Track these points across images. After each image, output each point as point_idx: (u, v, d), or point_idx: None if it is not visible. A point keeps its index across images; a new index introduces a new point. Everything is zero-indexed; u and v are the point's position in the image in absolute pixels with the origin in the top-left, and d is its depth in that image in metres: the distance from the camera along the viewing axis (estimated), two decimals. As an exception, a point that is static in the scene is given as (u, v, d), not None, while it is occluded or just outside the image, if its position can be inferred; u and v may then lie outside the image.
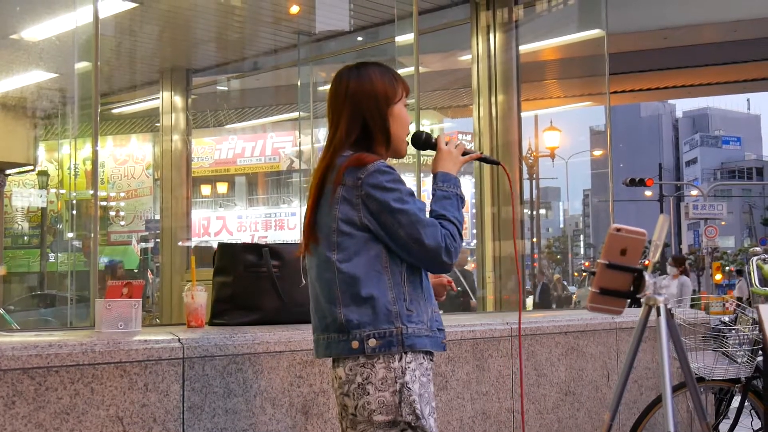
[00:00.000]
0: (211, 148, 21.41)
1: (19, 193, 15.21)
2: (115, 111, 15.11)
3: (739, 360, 4.54)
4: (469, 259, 11.86)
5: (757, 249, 5.15)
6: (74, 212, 11.84)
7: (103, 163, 18.31)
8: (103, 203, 18.17)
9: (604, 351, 5.10)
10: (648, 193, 48.17)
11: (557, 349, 4.79)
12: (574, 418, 4.87)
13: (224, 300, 3.66)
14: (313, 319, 2.66)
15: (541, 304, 17.07)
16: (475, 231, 9.19)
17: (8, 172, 13.85)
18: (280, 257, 3.67)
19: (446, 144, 2.80)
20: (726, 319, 4.97)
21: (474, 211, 8.82)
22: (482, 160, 2.97)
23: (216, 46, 11.98)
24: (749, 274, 4.94)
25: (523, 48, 8.74)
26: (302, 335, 3.39)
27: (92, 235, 6.05)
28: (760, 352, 4.43)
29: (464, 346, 4.21)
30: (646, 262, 3.03)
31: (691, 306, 5.22)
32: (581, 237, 77.16)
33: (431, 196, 2.71)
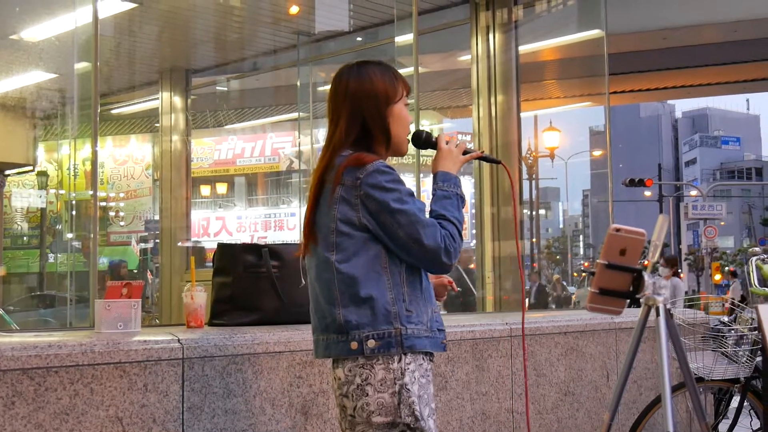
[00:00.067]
0: (210, 149, 21.41)
1: (18, 194, 15.20)
2: (114, 111, 15.10)
3: (738, 360, 4.54)
4: (474, 258, 11.85)
5: (757, 249, 5.15)
6: (74, 213, 11.85)
7: (103, 163, 18.30)
8: (103, 204, 18.16)
9: (603, 351, 5.10)
10: (647, 193, 48.20)
11: (557, 350, 4.79)
12: (573, 418, 4.87)
13: (224, 300, 3.66)
14: (312, 320, 2.65)
15: (537, 305, 17.08)
16: (474, 231, 9.18)
17: (8, 172, 13.85)
18: (279, 257, 3.67)
19: (446, 143, 2.78)
20: (725, 319, 4.96)
21: (473, 211, 8.81)
22: (483, 159, 2.95)
23: (215, 47, 11.98)
24: (748, 274, 4.94)
25: (523, 48, 8.73)
26: (302, 335, 3.39)
27: (92, 235, 6.05)
28: (759, 352, 4.43)
29: (464, 347, 4.21)
30: (646, 262, 3.04)
31: (691, 306, 5.23)
32: (581, 237, 77.15)
33: (431, 196, 2.70)
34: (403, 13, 8.32)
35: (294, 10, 10.44)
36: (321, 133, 12.89)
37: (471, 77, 8.55)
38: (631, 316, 4.52)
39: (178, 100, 12.50)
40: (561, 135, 26.32)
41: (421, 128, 2.89)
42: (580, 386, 4.93)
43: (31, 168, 13.70)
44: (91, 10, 5.54)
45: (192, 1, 10.07)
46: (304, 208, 2.71)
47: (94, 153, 5.86)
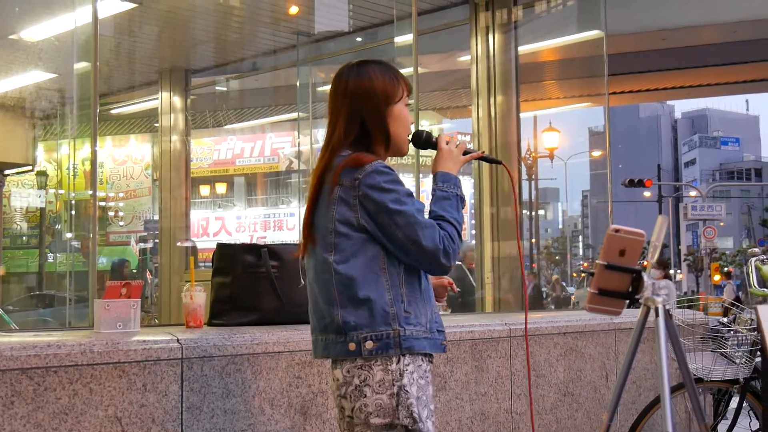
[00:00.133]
0: (210, 149, 21.40)
1: (17, 194, 15.19)
2: (114, 111, 15.10)
3: (737, 361, 4.54)
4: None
5: (756, 250, 5.15)
6: (73, 212, 11.85)
7: (102, 163, 18.29)
8: (102, 203, 18.15)
9: (602, 352, 5.10)
10: (647, 193, 48.21)
11: (556, 350, 4.79)
12: (572, 418, 4.87)
13: (223, 300, 3.66)
14: (311, 320, 2.64)
15: (533, 305, 17.07)
16: (474, 232, 9.19)
17: (7, 172, 13.84)
18: (278, 258, 3.67)
19: (447, 143, 2.76)
20: (724, 320, 4.96)
21: (473, 211, 8.82)
22: (483, 159, 2.93)
23: (215, 47, 11.98)
24: (748, 275, 4.94)
25: (522, 49, 8.74)
26: (301, 336, 3.39)
27: (91, 235, 6.06)
28: (759, 353, 4.43)
29: (463, 347, 4.21)
30: (645, 262, 3.04)
31: (690, 307, 5.23)
32: (580, 238, 77.16)
33: (431, 197, 2.68)
34: (403, 14, 8.33)
35: (293, 10, 10.45)
36: (320, 134, 12.89)
37: (470, 78, 8.56)
38: (630, 316, 4.52)
39: (177, 100, 12.50)
40: (560, 135, 26.31)
41: (421, 128, 2.87)
42: (580, 387, 4.93)
43: (30, 168, 13.69)
44: (90, 10, 5.54)
45: (192, 1, 10.07)
46: (303, 209, 2.70)
47: (94, 153, 5.87)
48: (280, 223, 21.15)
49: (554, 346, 4.78)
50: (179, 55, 12.32)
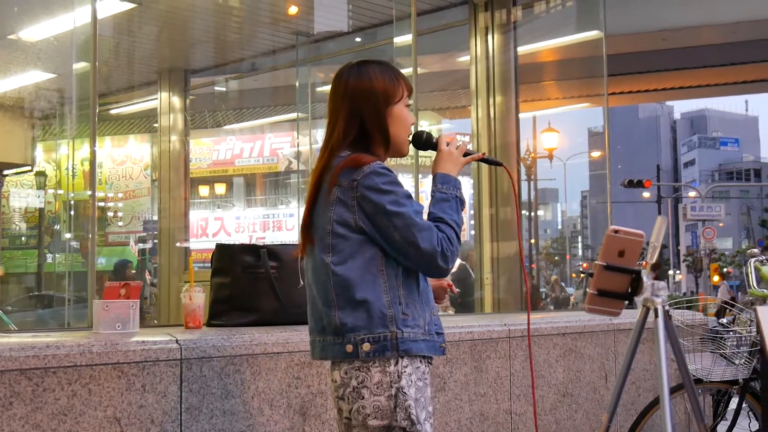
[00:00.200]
0: (209, 149, 21.37)
1: (16, 194, 15.18)
2: (113, 111, 15.10)
3: (736, 362, 4.54)
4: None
5: (755, 250, 5.15)
6: (72, 213, 11.85)
7: (101, 163, 18.26)
8: (101, 204, 18.12)
9: (602, 352, 5.10)
10: (646, 194, 48.22)
11: (555, 351, 4.79)
12: (572, 419, 4.87)
13: (222, 301, 3.65)
14: (309, 321, 2.64)
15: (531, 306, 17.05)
16: (473, 232, 9.20)
17: (6, 172, 13.84)
18: (278, 258, 3.67)
19: (447, 144, 2.74)
20: (724, 320, 4.96)
21: (472, 212, 8.82)
22: (484, 161, 2.90)
23: (214, 47, 11.98)
24: (747, 275, 4.94)
25: (522, 49, 8.74)
26: (300, 336, 3.39)
27: (90, 235, 6.07)
28: (758, 353, 4.43)
29: (462, 348, 4.21)
30: (644, 263, 3.03)
31: (689, 307, 5.23)
32: (579, 238, 77.18)
33: (430, 198, 2.67)
34: (402, 14, 8.32)
35: (293, 10, 10.44)
36: (320, 134, 12.89)
37: (470, 78, 8.56)
38: (629, 317, 4.52)
39: (176, 101, 12.50)
40: (559, 136, 26.32)
41: (421, 129, 2.85)
42: (579, 387, 4.93)
43: (29, 168, 13.69)
44: (89, 10, 5.54)
45: (191, 1, 10.07)
46: (302, 209, 2.69)
47: (93, 153, 5.88)
48: (279, 224, 21.12)
49: (553, 346, 4.78)
50: (178, 56, 12.32)
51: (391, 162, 2.73)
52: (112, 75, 12.45)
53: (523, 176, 26.03)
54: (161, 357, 2.99)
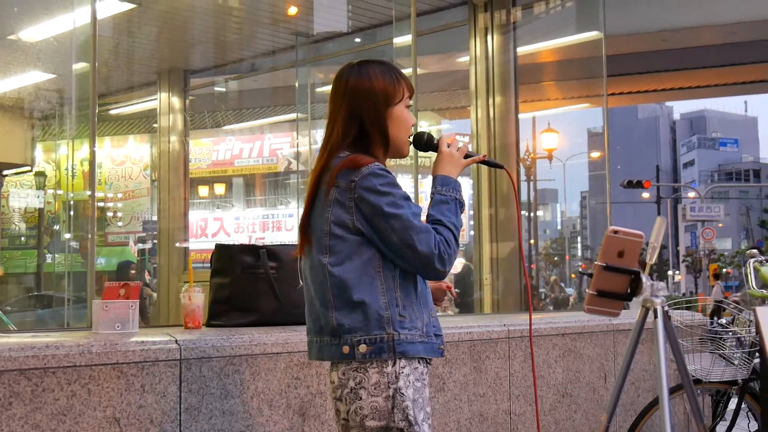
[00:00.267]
0: (208, 149, 21.37)
1: (16, 194, 15.18)
2: (112, 112, 15.10)
3: (736, 362, 4.54)
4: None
5: (754, 251, 5.15)
6: (71, 213, 11.83)
7: (101, 164, 18.26)
8: (101, 204, 18.12)
9: (601, 353, 5.10)
10: (645, 195, 48.25)
11: (554, 351, 4.79)
12: (571, 419, 4.87)
13: (221, 301, 3.66)
14: (307, 321, 2.63)
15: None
16: (472, 233, 9.20)
17: (5, 172, 13.84)
18: (277, 259, 3.67)
19: (448, 146, 2.72)
20: (723, 321, 4.96)
21: (471, 212, 8.82)
22: (485, 163, 2.86)
23: (214, 47, 11.98)
24: (746, 276, 4.94)
25: (521, 50, 8.74)
26: (299, 337, 3.39)
27: (89, 236, 6.07)
28: (757, 354, 4.43)
29: (461, 348, 4.21)
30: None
31: (688, 308, 5.23)
32: (578, 239, 77.20)
33: (429, 200, 2.65)
34: (402, 15, 8.33)
35: (292, 11, 10.44)
36: (319, 134, 12.88)
37: (469, 78, 8.56)
38: (628, 317, 4.52)
39: (176, 101, 12.50)
40: (559, 136, 26.34)
41: (422, 130, 2.82)
42: (578, 388, 4.93)
43: (28, 168, 13.69)
44: (89, 10, 5.54)
45: (190, 1, 10.07)
46: (301, 210, 2.69)
47: (92, 153, 5.88)
48: (279, 224, 21.12)
49: (553, 347, 4.78)
50: (178, 56, 12.32)
51: (390, 162, 2.72)
52: (112, 75, 12.46)
53: (523, 177, 26.05)
54: (160, 357, 2.99)
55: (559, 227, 77.94)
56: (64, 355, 2.74)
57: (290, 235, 19.72)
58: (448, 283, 2.94)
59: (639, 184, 26.86)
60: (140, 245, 17.83)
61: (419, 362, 2.54)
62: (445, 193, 2.63)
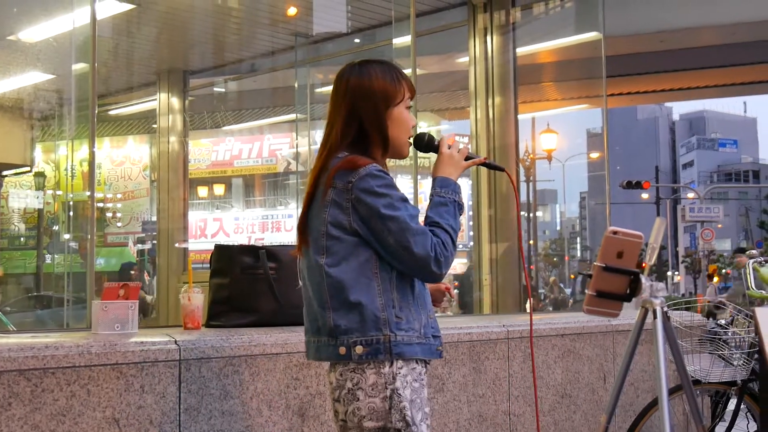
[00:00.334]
0: (207, 150, 21.37)
1: (15, 195, 15.19)
2: (112, 112, 15.11)
3: (735, 363, 4.54)
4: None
5: (753, 252, 5.16)
6: (71, 213, 11.83)
7: (100, 164, 18.26)
8: (100, 205, 18.13)
9: (600, 353, 5.10)
10: (644, 195, 48.28)
11: (554, 352, 4.79)
12: (570, 420, 4.87)
13: (221, 302, 3.65)
14: (305, 321, 2.63)
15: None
16: (472, 233, 9.21)
17: (5, 173, 13.84)
18: (276, 259, 3.67)
19: (449, 148, 2.69)
20: (722, 321, 4.97)
21: (471, 213, 8.82)
22: (486, 165, 2.84)
23: (213, 48, 11.99)
24: (746, 276, 4.95)
25: (521, 50, 8.75)
26: (299, 337, 3.39)
27: (89, 236, 6.07)
28: (756, 355, 4.43)
29: (461, 349, 4.21)
30: (643, 264, 3.04)
31: (688, 309, 5.23)
32: (578, 239, 77.18)
33: (429, 201, 2.64)
34: (401, 15, 8.33)
35: (292, 11, 10.44)
36: (318, 135, 12.88)
37: (469, 79, 8.57)
38: (628, 318, 4.52)
39: (175, 102, 12.51)
40: (558, 137, 26.37)
41: (423, 131, 2.79)
42: (577, 388, 4.93)
43: (28, 169, 13.70)
44: (89, 11, 5.54)
45: (190, 2, 10.08)
46: (300, 210, 2.69)
47: (92, 154, 5.88)
48: (278, 225, 21.12)
49: (552, 347, 4.78)
50: (177, 57, 12.33)
51: (390, 163, 2.71)
52: (111, 76, 12.47)
53: (522, 177, 26.06)
54: (160, 358, 2.99)
55: (558, 228, 77.90)
56: (64, 356, 2.74)
57: (289, 236, 19.72)
58: (447, 284, 2.93)
59: (638, 185, 26.85)
60: (139, 246, 17.83)
61: (417, 363, 2.53)
62: (444, 195, 2.61)
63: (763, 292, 4.86)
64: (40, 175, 14.85)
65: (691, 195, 46.47)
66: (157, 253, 13.00)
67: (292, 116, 14.95)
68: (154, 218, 15.49)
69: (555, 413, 4.77)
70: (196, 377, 3.09)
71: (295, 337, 3.40)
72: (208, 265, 3.78)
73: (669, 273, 50.79)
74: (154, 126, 13.35)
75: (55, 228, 14.81)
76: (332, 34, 10.85)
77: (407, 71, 7.08)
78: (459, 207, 2.63)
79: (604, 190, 8.59)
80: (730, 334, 4.67)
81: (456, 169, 2.68)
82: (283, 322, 3.59)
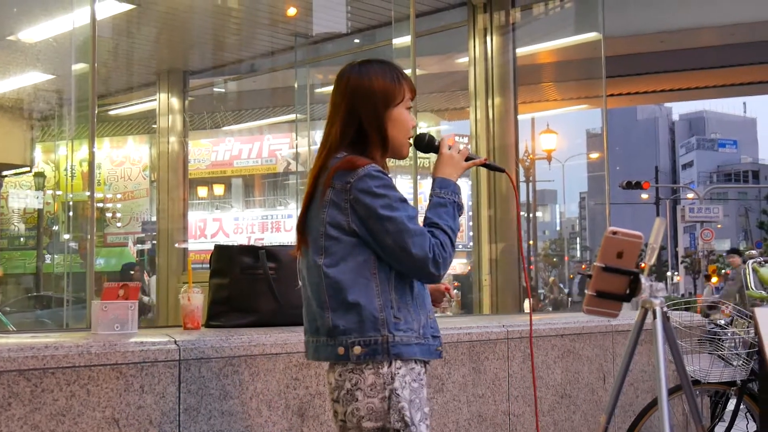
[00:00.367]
0: (207, 150, 21.38)
1: (15, 195, 15.20)
2: (111, 113, 15.12)
3: (734, 363, 4.54)
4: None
5: (753, 252, 5.17)
6: (71, 214, 11.84)
7: (100, 164, 18.27)
8: (100, 205, 18.14)
9: (600, 354, 5.10)
10: (644, 196, 48.29)
11: (553, 352, 4.79)
12: (570, 420, 4.87)
13: (221, 302, 3.66)
14: (305, 321, 2.62)
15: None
16: (471, 233, 9.21)
17: (5, 173, 13.85)
18: (276, 259, 3.67)
19: (449, 148, 2.68)
20: (722, 322, 4.97)
21: (470, 213, 8.83)
22: (486, 166, 2.83)
23: (213, 48, 11.99)
24: (745, 276, 4.95)
25: (520, 51, 8.75)
26: (298, 337, 3.39)
27: (88, 236, 6.07)
28: (756, 355, 4.43)
29: (460, 349, 4.22)
30: (643, 264, 3.04)
31: (687, 309, 5.23)
32: (577, 240, 77.21)
33: (428, 202, 2.62)
34: (401, 15, 8.33)
35: (291, 12, 10.44)
36: (318, 135, 12.88)
37: (468, 79, 8.57)
38: (627, 318, 4.52)
39: (175, 102, 12.51)
40: (558, 137, 26.38)
41: (423, 131, 2.77)
42: (577, 389, 4.93)
43: (28, 169, 13.70)
44: (88, 11, 5.54)
45: (190, 2, 10.08)
46: (300, 210, 2.68)
47: (92, 154, 5.88)
48: (278, 225, 21.14)
49: (552, 348, 4.78)
50: (177, 57, 12.33)
51: (389, 163, 2.71)
52: (111, 76, 12.47)
53: (522, 178, 26.07)
54: (160, 358, 2.99)
55: (558, 228, 77.97)
56: (63, 356, 2.74)
57: (289, 236, 19.73)
58: (447, 285, 2.92)
59: (638, 185, 26.86)
60: (139, 246, 17.84)
61: (416, 363, 2.52)
62: (444, 195, 2.60)
63: (763, 292, 4.86)
64: (40, 175, 14.86)
65: (690, 195, 46.46)
66: (157, 254, 13.01)
67: (292, 116, 14.95)
68: (154, 218, 15.50)
69: (554, 413, 4.77)
70: (196, 377, 3.09)
71: (294, 338, 3.40)
72: (208, 266, 3.78)
73: (668, 273, 50.79)
74: (154, 126, 13.36)
75: (55, 228, 14.81)
76: (332, 35, 10.85)
77: (407, 71, 7.10)
78: (458, 208, 2.62)
79: (604, 191, 8.59)
80: (729, 334, 4.67)
81: (456, 169, 2.67)
82: (282, 323, 3.59)
